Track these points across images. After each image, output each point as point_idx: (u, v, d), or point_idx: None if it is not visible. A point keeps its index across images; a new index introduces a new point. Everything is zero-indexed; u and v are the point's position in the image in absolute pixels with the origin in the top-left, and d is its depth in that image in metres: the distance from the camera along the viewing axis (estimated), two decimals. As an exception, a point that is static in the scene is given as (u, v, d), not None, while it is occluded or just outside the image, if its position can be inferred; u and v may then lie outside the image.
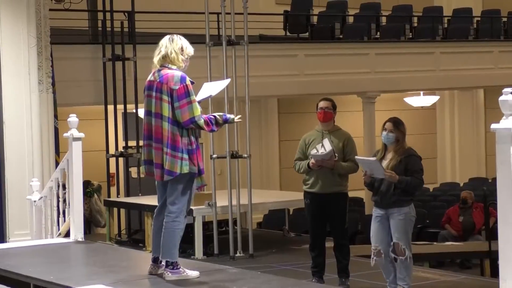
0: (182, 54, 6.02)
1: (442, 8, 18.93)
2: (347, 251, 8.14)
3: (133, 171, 13.49)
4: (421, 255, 11.06)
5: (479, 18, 18.70)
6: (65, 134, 8.33)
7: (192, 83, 5.97)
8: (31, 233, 9.10)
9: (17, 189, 9.81)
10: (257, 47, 14.29)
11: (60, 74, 11.35)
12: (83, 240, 8.27)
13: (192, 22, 12.23)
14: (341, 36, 16.22)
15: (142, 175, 12.17)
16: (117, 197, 13.28)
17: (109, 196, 13.00)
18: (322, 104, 8.10)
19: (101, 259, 7.32)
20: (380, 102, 16.86)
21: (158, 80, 5.98)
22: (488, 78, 17.62)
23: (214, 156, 10.47)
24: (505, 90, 4.88)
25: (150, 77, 6.07)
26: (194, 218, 10.06)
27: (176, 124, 5.90)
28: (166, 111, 5.90)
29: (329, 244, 8.24)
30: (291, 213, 13.45)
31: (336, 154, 7.87)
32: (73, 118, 8.27)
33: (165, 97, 5.91)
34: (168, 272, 5.99)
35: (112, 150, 12.84)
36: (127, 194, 12.85)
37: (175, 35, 6.07)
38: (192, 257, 9.83)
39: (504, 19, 18.84)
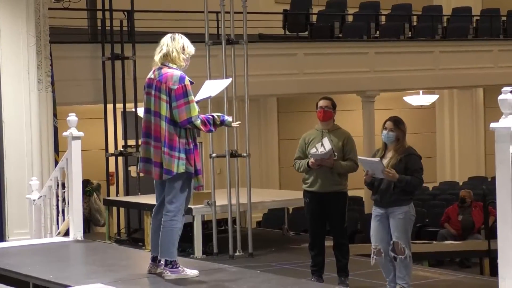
0: (183, 53, 6.03)
1: (441, 7, 18.93)
2: (347, 250, 8.14)
3: (133, 170, 13.47)
4: (421, 254, 11.07)
5: (478, 17, 18.70)
6: (64, 133, 8.33)
7: (191, 83, 5.97)
8: (30, 232, 9.10)
9: (17, 188, 9.81)
10: (257, 46, 14.29)
11: (60, 73, 11.35)
12: (83, 239, 8.27)
13: (192, 21, 12.22)
14: (340, 35, 16.22)
15: (134, 173, 12.21)
16: (117, 196, 13.28)
17: (108, 195, 13.00)
18: (321, 103, 8.10)
19: (100, 258, 7.32)
20: (380, 101, 16.86)
21: (157, 79, 5.98)
22: (487, 77, 17.62)
23: (214, 155, 10.47)
24: (504, 89, 4.88)
25: (150, 75, 6.08)
26: (193, 217, 10.06)
27: (173, 124, 5.90)
28: (164, 110, 5.91)
29: (329, 243, 8.24)
30: (290, 212, 13.45)
31: (336, 153, 7.87)
32: (72, 117, 8.27)
33: (164, 96, 5.92)
34: (167, 271, 5.99)
35: (111, 149, 12.84)
36: (127, 193, 12.85)
37: (176, 34, 6.08)
38: (191, 256, 9.82)
39: (504, 18, 18.84)
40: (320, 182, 7.95)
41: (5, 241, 9.62)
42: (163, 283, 5.92)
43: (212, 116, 6.02)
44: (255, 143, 16.37)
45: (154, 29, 12.27)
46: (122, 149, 12.73)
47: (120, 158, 12.94)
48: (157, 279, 6.03)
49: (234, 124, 6.20)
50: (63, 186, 8.57)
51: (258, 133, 17.13)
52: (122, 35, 12.80)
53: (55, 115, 10.66)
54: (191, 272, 6.09)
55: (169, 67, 5.99)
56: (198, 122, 5.89)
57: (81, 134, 8.27)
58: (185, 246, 9.91)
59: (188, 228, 9.84)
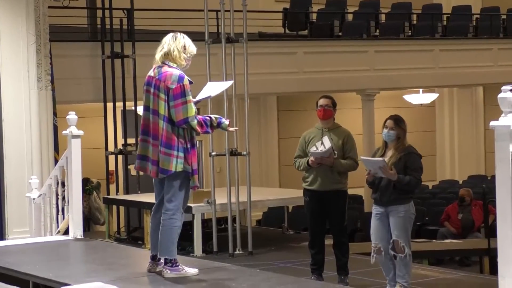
0: (184, 53, 6.02)
1: (441, 5, 18.93)
2: (346, 248, 8.14)
3: (132, 168, 13.42)
4: (421, 253, 11.08)
5: (478, 16, 18.70)
6: (64, 132, 8.33)
7: (190, 83, 5.97)
8: (30, 230, 9.10)
9: (16, 186, 9.80)
10: (256, 45, 14.29)
11: (59, 72, 11.35)
12: (82, 237, 8.27)
13: (191, 19, 12.21)
14: (340, 34, 16.21)
15: (134, 172, 12.21)
16: (116, 194, 13.28)
17: (108, 193, 13.00)
18: (322, 101, 8.10)
19: (100, 257, 7.32)
20: (379, 100, 16.85)
21: (157, 77, 5.99)
22: (487, 76, 17.62)
23: (213, 153, 10.47)
24: (504, 87, 4.88)
25: (150, 72, 6.08)
26: (193, 215, 10.06)
27: (172, 123, 5.90)
28: (162, 109, 5.91)
29: (329, 241, 8.24)
30: (290, 210, 13.45)
31: (336, 152, 7.87)
32: (72, 116, 8.27)
33: (162, 95, 5.92)
34: (167, 270, 6.00)
35: (111, 148, 12.84)
36: (126, 191, 12.85)
37: (178, 33, 6.08)
38: (191, 254, 9.82)
39: (504, 17, 18.84)
40: (320, 180, 7.95)
41: (5, 239, 9.62)
42: (163, 281, 5.92)
43: (210, 117, 6.02)
44: (255, 142, 16.36)
45: (154, 28, 12.28)
46: (122, 148, 12.73)
47: (120, 157, 12.94)
48: (156, 277, 6.03)
49: (231, 129, 6.19)
50: (63, 184, 8.57)
51: (258, 131, 17.13)
52: (122, 33, 12.79)
53: (55, 114, 10.66)
54: (191, 271, 6.09)
55: (169, 66, 5.99)
56: (195, 122, 5.89)
57: (81, 132, 8.27)
58: (185, 245, 9.92)
59: (188, 227, 9.84)
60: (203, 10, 10.52)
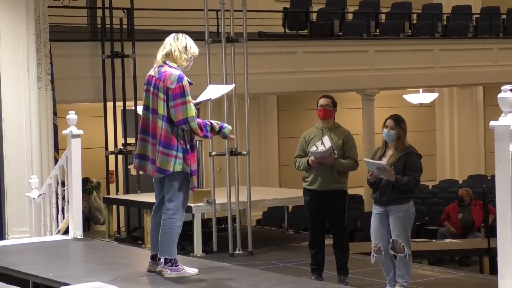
0: (185, 53, 6.02)
1: (441, 5, 18.93)
2: (346, 248, 8.14)
3: (132, 168, 13.45)
4: (420, 252, 11.08)
5: (478, 15, 18.70)
6: (64, 131, 8.33)
7: (190, 84, 5.96)
8: (30, 230, 9.10)
9: (16, 186, 9.80)
10: (256, 44, 14.29)
11: (59, 71, 11.35)
12: (82, 237, 8.27)
13: (191, 19, 12.21)
14: (340, 33, 16.21)
15: (134, 171, 12.20)
16: (116, 194, 13.28)
17: (108, 193, 13.00)
18: (322, 101, 8.10)
19: (100, 256, 7.32)
20: (379, 99, 16.86)
21: (156, 76, 5.99)
22: (487, 75, 17.62)
23: (213, 153, 10.47)
24: (504, 87, 4.88)
25: (151, 72, 6.09)
26: (193, 215, 10.06)
27: (171, 123, 5.90)
28: (162, 109, 5.91)
29: (328, 241, 8.24)
30: (290, 210, 13.44)
31: (336, 152, 7.87)
32: (72, 115, 8.27)
33: (161, 95, 5.92)
34: (167, 270, 5.99)
35: (111, 147, 12.84)
36: (126, 191, 12.85)
37: (180, 34, 6.08)
38: (191, 254, 9.82)
39: (504, 16, 18.84)
40: (320, 180, 7.95)
41: (5, 239, 9.62)
42: (163, 281, 5.92)
43: (210, 122, 6.02)
44: (255, 141, 16.36)
45: (154, 27, 12.29)
46: (121, 147, 12.74)
47: (120, 156, 12.94)
48: (156, 277, 6.03)
49: (231, 136, 6.19)
50: (63, 184, 8.56)
51: (258, 131, 17.13)
52: (122, 33, 12.80)
53: (55, 113, 10.66)
54: (191, 270, 6.09)
55: (170, 66, 5.99)
56: (194, 123, 5.88)
57: (80, 132, 8.27)
58: (185, 244, 9.92)
59: (188, 226, 9.84)
60: (203, 10, 10.51)
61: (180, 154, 5.89)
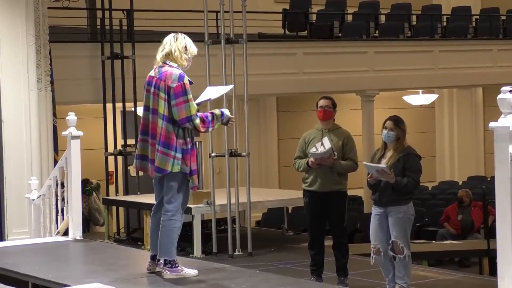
0: (185, 53, 6.04)
1: (441, 6, 18.94)
2: (346, 249, 8.14)
3: (132, 169, 13.44)
4: (420, 254, 11.07)
5: (478, 17, 18.71)
6: (63, 133, 8.33)
7: (191, 83, 5.97)
8: (29, 231, 9.10)
9: (16, 187, 9.80)
10: (256, 46, 14.29)
11: (59, 72, 11.35)
12: (82, 238, 8.27)
13: (191, 20, 12.20)
14: (340, 35, 16.22)
15: (133, 173, 12.20)
16: (116, 195, 13.28)
17: (107, 194, 12.99)
18: (322, 102, 8.10)
19: (99, 258, 7.32)
20: (379, 101, 16.86)
21: (157, 77, 6.00)
22: (487, 77, 17.63)
23: (213, 154, 10.46)
24: (504, 88, 4.88)
25: (151, 73, 6.10)
26: (192, 216, 10.05)
27: (171, 122, 5.91)
28: (162, 109, 5.91)
29: (328, 242, 8.24)
30: (290, 211, 13.44)
31: (336, 153, 7.87)
32: (71, 117, 8.27)
33: (162, 94, 5.93)
34: (167, 271, 5.99)
35: (110, 149, 12.84)
36: (126, 192, 12.85)
37: (179, 34, 6.09)
38: (190, 255, 9.82)
39: (503, 18, 18.85)
40: (320, 181, 7.95)
41: (4, 240, 9.62)
42: (162, 282, 5.92)
43: (211, 112, 6.04)
44: (255, 143, 16.36)
45: (153, 29, 12.28)
46: (121, 149, 12.73)
47: (120, 158, 12.93)
48: (156, 278, 6.03)
49: (231, 119, 6.19)
50: (62, 185, 8.56)
51: (257, 132, 17.13)
52: (122, 34, 12.79)
53: (54, 115, 10.66)
54: (190, 272, 6.09)
55: (170, 66, 6.00)
56: (197, 120, 5.90)
57: (80, 133, 8.27)
58: (185, 246, 9.91)
59: (187, 228, 9.83)
60: (202, 11, 10.51)
61: (178, 155, 5.89)
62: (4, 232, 9.84)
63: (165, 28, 10.20)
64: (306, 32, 16.24)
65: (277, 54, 15.15)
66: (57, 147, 10.66)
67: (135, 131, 12.42)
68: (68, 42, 12.83)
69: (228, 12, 10.35)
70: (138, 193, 12.27)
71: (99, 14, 13.12)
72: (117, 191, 13.68)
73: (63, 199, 8.53)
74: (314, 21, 16.53)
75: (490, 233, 10.94)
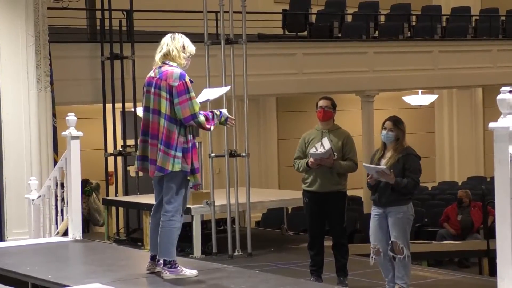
0: (183, 52, 6.05)
1: (440, 7, 18.94)
2: (346, 250, 8.14)
3: (132, 169, 13.47)
4: (420, 254, 11.07)
5: (477, 17, 18.71)
6: (63, 133, 8.33)
7: (191, 82, 5.98)
8: (29, 232, 9.10)
9: (16, 188, 9.81)
10: (256, 46, 14.29)
11: (59, 73, 11.35)
12: (81, 239, 8.27)
13: (191, 20, 12.21)
14: (339, 35, 16.22)
15: (133, 173, 12.21)
16: (116, 195, 13.27)
17: (107, 194, 12.99)
18: (321, 103, 8.10)
19: (99, 258, 7.32)
20: (379, 101, 16.86)
21: (157, 77, 6.00)
22: (486, 77, 17.63)
23: (213, 154, 10.46)
24: (503, 89, 4.87)
25: (150, 74, 6.11)
26: (192, 216, 10.05)
27: (173, 121, 5.91)
28: (164, 108, 5.92)
29: (328, 243, 8.24)
30: (289, 211, 13.44)
31: (335, 153, 7.87)
32: (71, 117, 8.27)
33: (164, 94, 5.93)
34: (166, 271, 5.99)
35: (110, 149, 12.84)
36: (126, 192, 12.85)
37: (176, 34, 6.10)
38: (190, 256, 9.82)
39: (503, 18, 18.85)
40: (320, 181, 7.95)
41: (4, 240, 9.62)
42: (162, 283, 5.92)
43: (211, 111, 6.07)
44: (254, 143, 16.37)
45: (153, 29, 12.28)
46: (121, 149, 12.73)
47: (119, 158, 12.94)
48: (156, 279, 6.03)
49: (230, 117, 6.20)
50: (62, 185, 8.57)
51: (257, 133, 17.14)
52: (121, 34, 12.79)
53: (54, 115, 10.66)
54: (190, 272, 6.09)
55: (169, 65, 6.01)
56: (202, 118, 5.92)
57: (80, 133, 8.27)
58: (184, 246, 9.91)
59: (187, 228, 9.83)
60: (202, 11, 10.51)
61: (178, 154, 5.90)
62: (3, 233, 9.84)
63: (165, 28, 10.18)
64: (305, 32, 16.24)
65: (277, 54, 15.16)
66: (57, 148, 10.66)
67: (135, 131, 12.43)
68: (68, 42, 12.84)
69: (227, 12, 10.34)
70: (138, 193, 12.27)
71: (98, 14, 13.12)
72: (116, 192, 13.68)
73: (62, 199, 8.53)
74: (314, 22, 16.53)
75: (490, 233, 10.94)
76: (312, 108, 8.57)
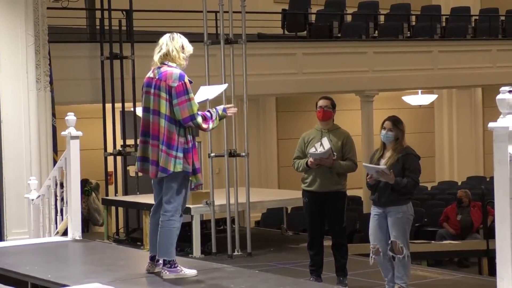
0: (183, 52, 6.06)
1: (440, 6, 18.94)
2: (345, 249, 8.14)
3: (131, 169, 13.46)
4: (419, 254, 11.07)
5: (477, 17, 18.71)
6: (63, 133, 8.33)
7: (190, 82, 5.99)
8: (29, 231, 9.10)
9: (15, 187, 9.81)
10: (255, 46, 14.29)
11: (58, 73, 11.34)
12: (81, 238, 8.27)
13: (190, 20, 12.21)
14: (339, 35, 16.22)
15: (133, 173, 12.21)
16: (115, 195, 13.27)
17: (107, 194, 12.99)
18: (321, 103, 8.10)
19: (98, 258, 7.32)
20: (378, 101, 16.86)
21: (157, 77, 6.00)
22: (486, 77, 17.64)
23: (212, 154, 10.46)
24: (503, 88, 4.87)
25: (149, 74, 6.10)
26: (192, 216, 10.05)
27: (173, 122, 5.91)
28: (164, 108, 5.92)
29: (327, 242, 8.24)
30: (289, 211, 13.44)
31: (335, 153, 7.87)
32: (71, 117, 8.27)
33: (163, 94, 5.93)
34: (166, 271, 6.00)
35: (110, 149, 12.84)
36: (125, 192, 12.85)
37: (175, 34, 6.10)
38: (190, 255, 9.82)
39: (502, 18, 18.86)
40: (319, 181, 7.95)
41: (4, 240, 9.62)
42: (162, 282, 5.92)
43: (208, 110, 6.06)
44: (254, 143, 16.36)
45: (152, 29, 12.26)
46: (120, 149, 12.73)
47: (119, 158, 12.94)
48: (155, 278, 6.03)
49: (232, 110, 6.19)
50: (62, 185, 8.57)
51: (257, 132, 17.13)
52: (121, 34, 12.79)
53: (53, 115, 10.66)
54: (190, 272, 6.10)
55: (169, 66, 6.01)
56: (200, 119, 5.93)
57: (79, 133, 8.27)
58: (184, 246, 9.91)
59: (186, 228, 9.83)
60: (202, 11, 10.51)
61: (180, 154, 5.90)
62: (3, 232, 9.84)
63: (164, 28, 10.17)
64: (305, 32, 16.24)
65: (277, 54, 15.16)
66: (56, 147, 10.66)
67: (135, 131, 12.43)
68: (68, 42, 12.83)
69: (227, 12, 10.34)
70: (137, 193, 12.27)
71: (98, 14, 13.12)
72: (116, 191, 13.68)
73: (62, 199, 8.53)
74: (314, 21, 16.53)
75: (489, 233, 10.94)
76: (311, 108, 8.57)
